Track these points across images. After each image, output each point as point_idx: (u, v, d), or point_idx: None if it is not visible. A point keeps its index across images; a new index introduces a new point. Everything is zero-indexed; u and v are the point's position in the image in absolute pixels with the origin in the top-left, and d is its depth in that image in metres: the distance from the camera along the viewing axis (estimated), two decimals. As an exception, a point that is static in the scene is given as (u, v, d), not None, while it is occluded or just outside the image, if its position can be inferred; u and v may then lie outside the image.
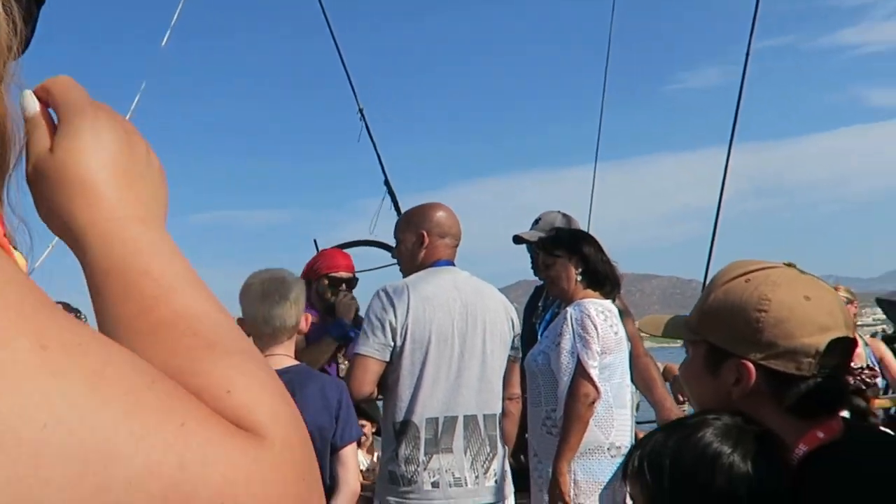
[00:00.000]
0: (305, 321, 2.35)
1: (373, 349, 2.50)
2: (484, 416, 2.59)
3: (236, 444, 0.31)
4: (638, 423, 3.23)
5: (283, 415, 0.35)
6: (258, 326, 2.20)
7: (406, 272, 2.68)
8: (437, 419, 2.51)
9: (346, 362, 3.36)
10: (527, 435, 2.92)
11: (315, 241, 4.82)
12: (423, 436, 2.50)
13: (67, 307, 3.61)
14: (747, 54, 4.72)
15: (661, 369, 3.89)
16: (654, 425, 3.11)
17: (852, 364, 1.18)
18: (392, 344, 2.51)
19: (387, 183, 5.65)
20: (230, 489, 0.30)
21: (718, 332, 1.14)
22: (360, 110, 5.76)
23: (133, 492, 0.28)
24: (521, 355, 2.82)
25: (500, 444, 2.65)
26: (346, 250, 4.31)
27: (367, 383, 2.47)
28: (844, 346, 1.11)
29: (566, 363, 2.72)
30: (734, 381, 1.10)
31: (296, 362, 2.27)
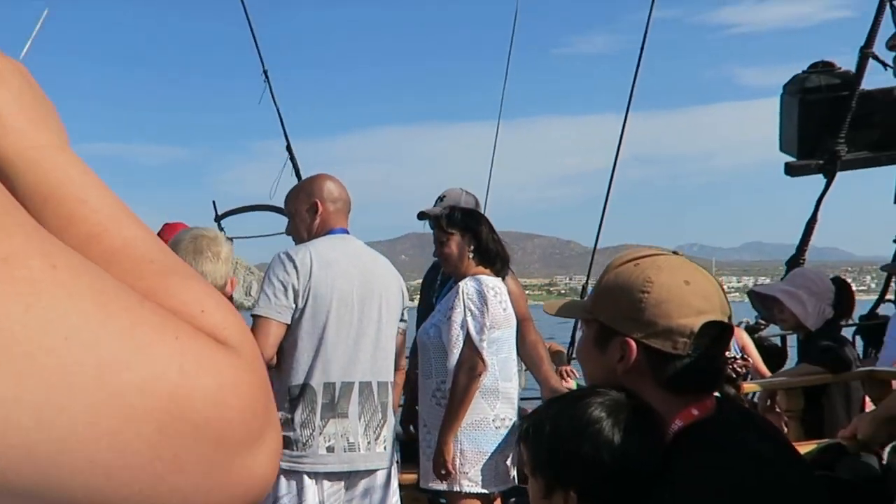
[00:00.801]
0: (231, 285, 2.38)
1: (275, 311, 2.46)
2: (378, 383, 2.63)
3: (221, 355, 0.36)
4: (524, 398, 3.34)
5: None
6: None
7: (300, 241, 2.69)
8: (334, 384, 2.52)
9: None
10: (417, 406, 3.03)
11: (214, 202, 4.89)
12: (319, 400, 2.50)
13: None
14: (647, 22, 4.83)
15: (548, 348, 4.02)
16: (539, 401, 3.21)
17: (727, 352, 1.28)
18: (294, 306, 2.49)
19: (289, 148, 5.63)
20: (221, 393, 0.34)
21: (607, 312, 1.22)
22: (265, 72, 5.68)
23: (144, 396, 0.32)
24: (406, 327, 2.88)
25: (390, 412, 2.72)
26: (244, 214, 4.64)
27: (269, 346, 2.45)
28: (720, 330, 1.20)
29: (456, 336, 2.81)
30: (619, 358, 1.18)
31: None
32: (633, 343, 1.16)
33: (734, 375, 1.47)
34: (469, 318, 2.79)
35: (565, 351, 4.55)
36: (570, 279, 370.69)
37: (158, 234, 3.72)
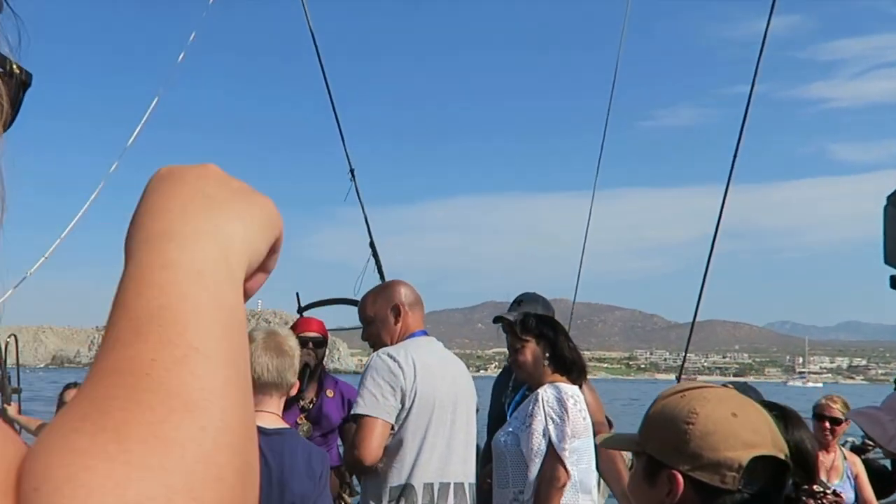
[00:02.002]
0: (295, 388, 2.49)
1: (384, 412, 2.64)
2: (469, 484, 2.85)
3: None
4: None
5: None
6: (259, 375, 2.32)
7: (381, 345, 2.86)
8: (432, 485, 2.72)
9: (306, 424, 3.83)
10: None
11: (297, 294, 5.52)
12: (420, 501, 2.70)
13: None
14: (749, 96, 5.19)
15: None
16: None
17: (816, 486, 1.31)
18: (397, 406, 2.67)
19: (372, 245, 6.18)
20: None
21: (654, 444, 1.27)
22: (352, 171, 6.34)
23: None
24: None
25: None
26: (317, 308, 5.37)
27: (375, 447, 2.61)
28: (774, 466, 1.22)
29: (537, 445, 2.85)
30: (667, 492, 1.22)
31: (286, 424, 2.40)
32: (679, 476, 1.20)
33: None
34: (551, 427, 2.83)
35: None
36: (651, 353, 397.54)
37: (292, 328, 3.81)
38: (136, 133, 6.67)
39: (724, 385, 2.36)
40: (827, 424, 4.43)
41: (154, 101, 6.80)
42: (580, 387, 3.14)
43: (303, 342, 3.74)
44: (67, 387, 5.52)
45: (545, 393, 2.96)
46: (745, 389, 3.56)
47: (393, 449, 2.72)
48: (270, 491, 2.30)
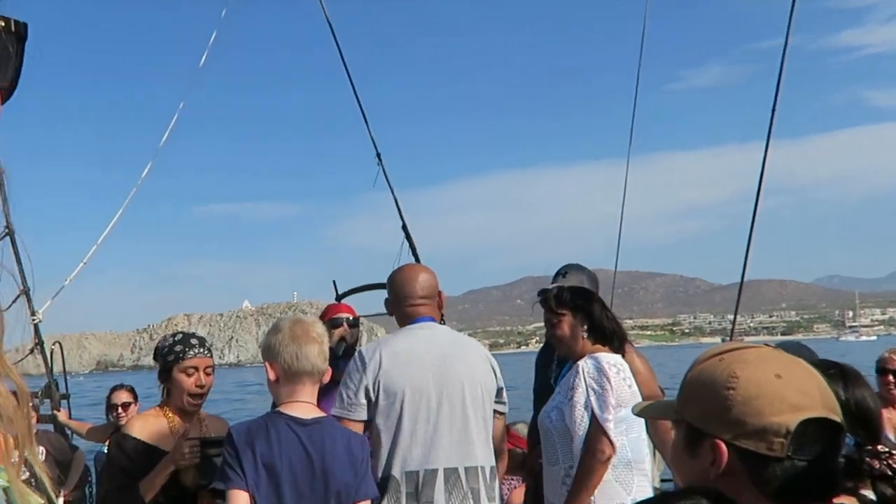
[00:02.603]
0: (328, 375, 2.50)
1: (345, 409, 2.75)
2: (466, 468, 2.78)
3: None
4: (663, 480, 3.45)
5: None
6: (290, 364, 2.38)
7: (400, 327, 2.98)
8: (416, 472, 2.72)
9: None
10: (546, 496, 3.03)
11: (334, 282, 5.49)
12: (403, 490, 2.71)
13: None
14: (784, 50, 5.09)
15: None
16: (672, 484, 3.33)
17: (880, 447, 1.24)
18: (364, 402, 2.75)
19: (404, 228, 6.18)
20: None
21: (694, 412, 1.21)
22: (378, 154, 6.29)
23: None
24: (506, 409, 3.00)
25: (486, 499, 2.81)
26: (355, 294, 5.41)
27: None
28: (827, 429, 1.14)
29: (580, 417, 2.82)
30: (710, 462, 1.16)
31: (321, 413, 2.43)
32: (723, 445, 1.14)
33: (889, 473, 1.30)
34: (592, 398, 2.80)
35: None
36: (695, 317, 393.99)
37: (322, 315, 3.75)
38: (165, 137, 6.84)
39: (776, 346, 2.34)
40: (891, 378, 4.36)
41: (180, 106, 7.02)
42: (623, 355, 3.10)
43: (337, 323, 3.85)
44: (114, 389, 5.75)
45: (585, 364, 2.93)
46: (797, 348, 3.43)
47: (374, 442, 2.77)
48: (314, 481, 2.33)
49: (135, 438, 2.80)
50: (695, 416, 1.21)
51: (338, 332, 3.75)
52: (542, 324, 3.39)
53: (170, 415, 2.90)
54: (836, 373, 1.39)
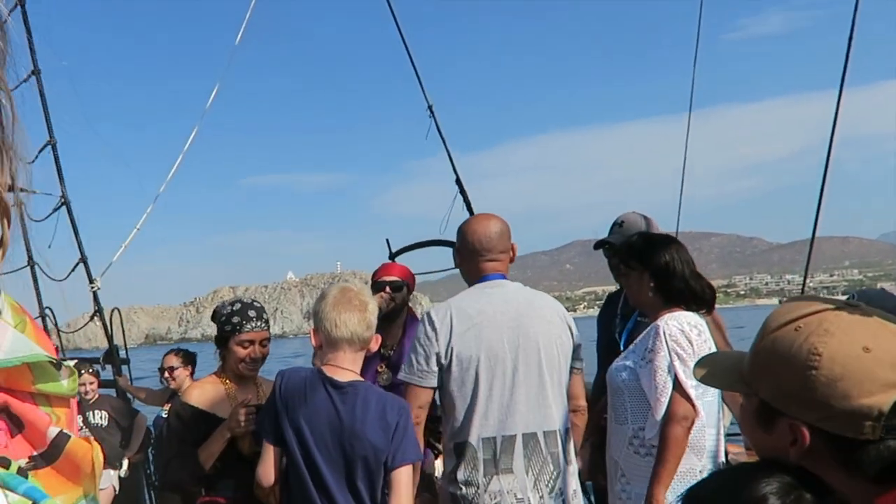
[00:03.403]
0: (376, 342, 2.54)
1: (415, 376, 2.72)
2: (544, 433, 2.74)
3: None
4: (728, 435, 3.23)
5: None
6: (329, 331, 2.44)
7: (468, 284, 2.94)
8: (494, 439, 2.69)
9: (386, 372, 3.80)
10: (610, 454, 2.92)
11: (387, 240, 5.27)
12: (481, 456, 2.68)
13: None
14: None
15: None
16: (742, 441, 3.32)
17: None
18: (436, 370, 2.71)
19: (458, 182, 6.00)
20: None
21: (768, 388, 1.10)
22: (430, 107, 6.13)
23: None
24: (583, 365, 2.94)
25: (564, 462, 2.78)
26: (411, 252, 5.18)
27: (416, 410, 2.64)
28: None
29: (662, 382, 2.73)
30: (790, 442, 1.07)
31: (359, 378, 2.46)
32: (804, 429, 1.05)
33: None
34: (677, 363, 2.71)
35: None
36: (752, 278, 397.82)
37: (373, 275, 3.95)
38: (211, 97, 6.85)
39: (857, 295, 2.19)
40: None
41: (216, 87, 7.00)
42: (701, 313, 2.96)
43: (379, 287, 3.82)
44: (166, 353, 5.98)
45: (667, 326, 2.80)
46: (881, 297, 2.83)
47: (448, 408, 2.75)
48: (343, 443, 2.39)
49: (192, 406, 2.88)
50: (771, 394, 1.11)
51: (376, 298, 3.74)
52: (592, 287, 3.26)
53: (227, 382, 2.97)
54: None
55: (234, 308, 2.95)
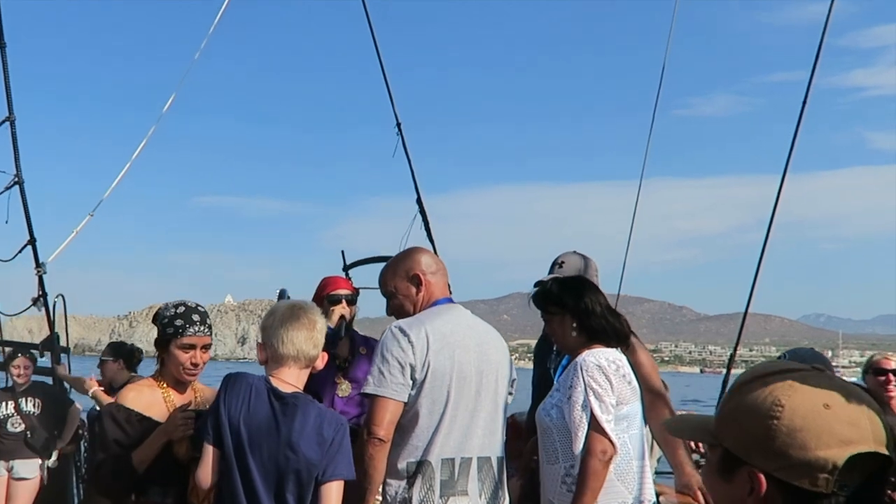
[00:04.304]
0: (322, 360, 2.53)
1: (391, 390, 2.58)
2: (496, 458, 2.76)
3: None
4: (657, 473, 3.31)
5: None
6: (276, 348, 2.45)
7: (405, 317, 2.80)
8: (452, 460, 2.63)
9: (345, 383, 3.59)
10: (545, 495, 2.91)
11: (343, 252, 5.37)
12: (437, 477, 2.61)
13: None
14: (808, 87, 5.05)
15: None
16: (671, 480, 3.32)
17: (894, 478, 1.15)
18: (409, 383, 2.59)
19: (419, 201, 6.01)
20: None
21: (732, 437, 1.14)
22: (398, 124, 6.17)
23: None
24: (513, 399, 2.92)
25: (505, 489, 2.80)
26: (358, 267, 5.30)
27: (385, 425, 2.55)
28: (876, 463, 1.07)
29: (579, 417, 2.74)
30: (748, 492, 1.11)
31: (298, 389, 2.47)
32: (761, 476, 1.09)
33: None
34: (592, 398, 2.71)
35: None
36: (677, 346, 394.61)
37: (320, 288, 3.69)
38: (167, 105, 6.71)
39: (783, 357, 2.52)
40: (892, 377, 4.05)
41: (172, 96, 6.89)
42: (627, 348, 3.03)
43: (335, 300, 3.76)
44: (103, 362, 5.78)
45: (584, 362, 2.84)
46: (812, 356, 3.31)
47: (408, 425, 2.66)
48: (279, 454, 2.40)
49: (128, 409, 2.80)
50: (734, 443, 1.15)
51: (337, 310, 3.66)
52: (526, 340, 3.55)
53: (164, 386, 2.91)
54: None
55: (178, 311, 2.86)
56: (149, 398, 2.85)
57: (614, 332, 2.97)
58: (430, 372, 2.64)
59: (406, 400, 2.64)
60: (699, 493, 3.02)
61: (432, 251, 3.04)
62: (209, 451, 2.45)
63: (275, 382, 2.47)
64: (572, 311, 2.95)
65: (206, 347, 2.89)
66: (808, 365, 1.20)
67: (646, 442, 2.97)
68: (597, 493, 2.69)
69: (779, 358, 3.32)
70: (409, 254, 2.97)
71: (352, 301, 3.84)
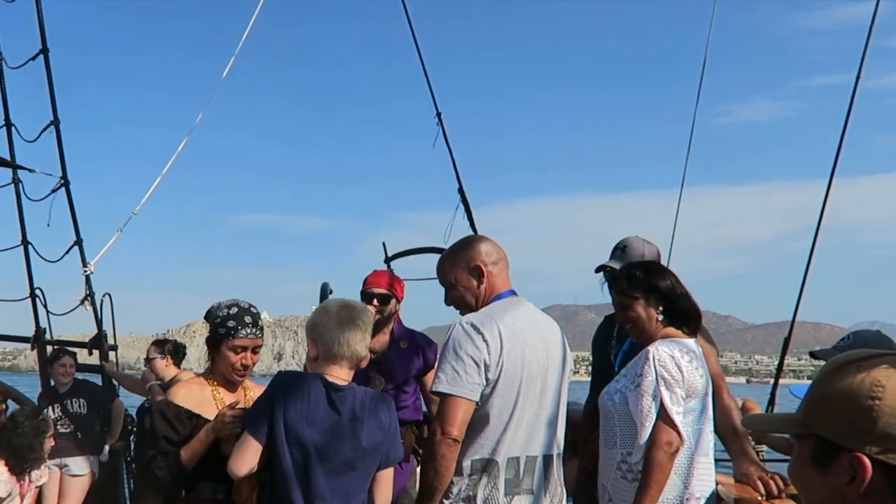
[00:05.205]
0: (366, 360, 2.57)
1: (467, 390, 2.52)
2: (556, 455, 2.74)
3: None
4: (717, 461, 3.03)
5: None
6: (330, 347, 2.50)
7: (468, 310, 2.73)
8: (518, 459, 2.60)
9: (378, 378, 3.74)
10: (600, 478, 2.88)
11: (384, 243, 5.52)
12: (502, 476, 2.57)
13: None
14: (854, 89, 4.96)
15: (741, 405, 3.59)
16: (730, 467, 3.20)
17: None
18: (483, 382, 2.55)
19: (461, 190, 5.98)
20: None
21: (827, 424, 1.10)
22: (438, 114, 6.14)
23: None
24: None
25: (563, 486, 2.79)
26: (403, 258, 5.42)
27: (458, 426, 2.51)
28: None
29: (647, 407, 2.68)
30: (849, 480, 1.06)
31: (350, 382, 2.53)
32: (865, 460, 1.05)
33: None
34: (663, 389, 2.67)
35: (759, 409, 4.65)
36: (722, 356, 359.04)
37: (365, 281, 3.89)
38: (199, 118, 6.79)
39: (847, 338, 2.57)
40: None
41: (227, 69, 6.82)
42: (695, 337, 2.92)
43: (367, 298, 3.83)
44: (153, 343, 5.92)
45: (657, 351, 2.76)
46: (876, 338, 3.24)
47: (477, 424, 2.60)
48: (342, 444, 2.44)
49: (178, 406, 2.82)
50: (829, 429, 1.11)
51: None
52: (574, 352, 3.20)
53: (214, 383, 2.93)
54: None
55: (231, 312, 2.86)
56: (198, 396, 2.87)
57: (697, 316, 2.92)
58: (503, 372, 2.58)
59: (478, 399, 2.59)
60: (759, 483, 2.93)
61: (493, 240, 2.88)
62: (251, 443, 2.46)
63: (330, 378, 2.50)
64: (660, 294, 2.87)
65: (256, 349, 2.90)
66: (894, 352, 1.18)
67: (712, 439, 2.93)
68: (662, 485, 2.65)
69: (842, 340, 3.21)
70: (469, 242, 2.87)
71: (385, 300, 3.85)
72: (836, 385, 1.12)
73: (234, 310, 2.87)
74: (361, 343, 2.54)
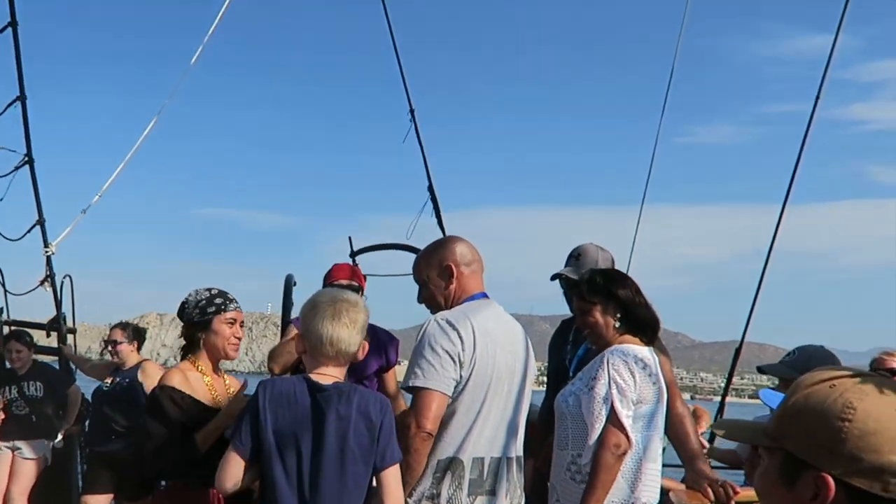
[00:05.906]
0: (362, 350, 2.48)
1: (442, 384, 2.50)
2: (517, 458, 2.74)
3: None
4: (665, 465, 3.09)
5: None
6: (316, 345, 2.41)
7: (437, 309, 2.71)
8: (483, 459, 2.60)
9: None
10: (550, 479, 2.93)
11: (350, 238, 5.29)
12: (467, 476, 2.56)
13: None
14: (811, 118, 5.18)
15: (692, 411, 3.84)
16: (681, 473, 3.23)
17: None
18: (456, 378, 2.53)
19: (430, 188, 5.95)
20: None
21: (797, 440, 1.10)
22: (411, 110, 6.17)
23: None
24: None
25: (521, 490, 2.78)
26: (369, 253, 5.24)
27: (432, 419, 2.49)
28: None
29: (598, 410, 2.71)
30: (811, 497, 1.06)
31: (339, 380, 2.43)
32: (830, 480, 1.05)
33: None
34: (615, 392, 2.70)
35: (709, 417, 4.66)
36: None
37: (326, 276, 3.91)
38: (166, 100, 6.73)
39: (792, 353, 2.55)
40: None
41: (195, 56, 6.79)
42: (652, 345, 2.95)
43: None
44: (114, 326, 5.82)
45: (612, 356, 2.81)
46: (820, 354, 3.27)
47: (444, 421, 2.57)
48: (330, 446, 2.37)
49: (182, 392, 2.85)
50: (798, 446, 1.10)
51: None
52: (550, 341, 3.37)
53: (202, 369, 2.98)
54: None
55: (213, 293, 2.99)
56: (194, 382, 2.92)
57: (655, 325, 2.95)
58: (475, 370, 2.58)
59: (451, 394, 2.57)
60: (709, 489, 2.94)
61: (469, 242, 2.87)
62: (236, 458, 2.40)
63: (315, 377, 2.42)
64: (618, 302, 2.91)
65: (242, 323, 3.02)
66: (868, 371, 1.19)
67: (661, 446, 2.96)
68: (608, 486, 2.67)
69: (788, 354, 3.28)
70: (444, 242, 2.87)
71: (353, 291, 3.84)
72: (810, 402, 1.12)
73: (215, 291, 3.01)
74: (349, 340, 2.42)
